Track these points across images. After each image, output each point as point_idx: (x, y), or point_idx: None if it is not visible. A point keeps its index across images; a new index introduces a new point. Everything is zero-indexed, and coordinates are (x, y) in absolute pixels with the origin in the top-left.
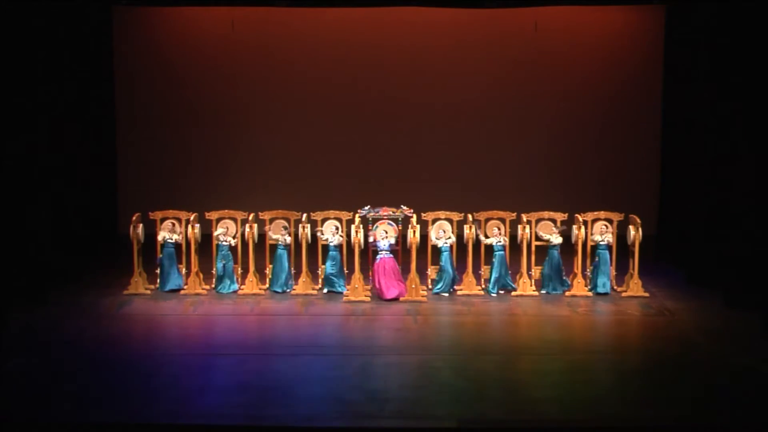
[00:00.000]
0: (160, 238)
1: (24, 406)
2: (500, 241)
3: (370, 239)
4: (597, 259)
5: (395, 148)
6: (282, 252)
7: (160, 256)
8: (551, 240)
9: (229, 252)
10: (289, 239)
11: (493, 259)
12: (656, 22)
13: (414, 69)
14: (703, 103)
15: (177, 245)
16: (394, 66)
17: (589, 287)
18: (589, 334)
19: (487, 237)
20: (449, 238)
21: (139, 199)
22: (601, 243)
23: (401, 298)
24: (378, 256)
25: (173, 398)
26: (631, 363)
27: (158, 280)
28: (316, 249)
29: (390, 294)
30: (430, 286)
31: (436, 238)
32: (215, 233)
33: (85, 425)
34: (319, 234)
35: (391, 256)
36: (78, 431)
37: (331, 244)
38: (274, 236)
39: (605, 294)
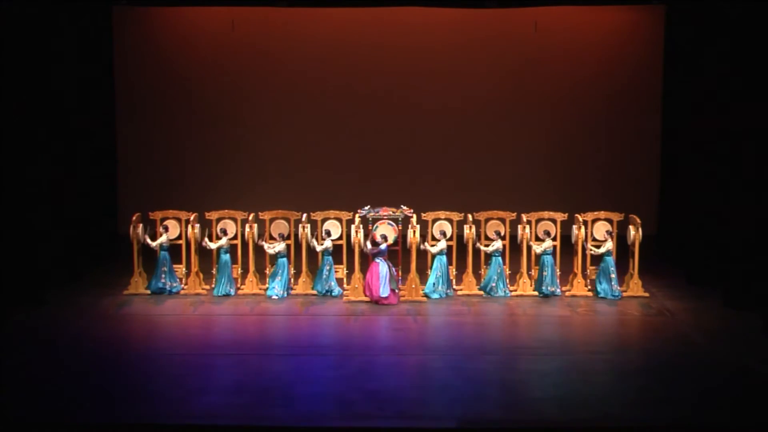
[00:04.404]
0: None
1: (24, 406)
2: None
3: (369, 246)
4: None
5: (396, 148)
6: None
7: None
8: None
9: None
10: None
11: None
12: (656, 22)
13: (414, 69)
14: (703, 103)
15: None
16: (394, 66)
17: (588, 288)
18: (589, 334)
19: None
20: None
21: (139, 199)
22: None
23: (401, 299)
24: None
25: (173, 398)
26: (631, 363)
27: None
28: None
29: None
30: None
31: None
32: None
33: (85, 425)
34: (264, 245)
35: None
36: (78, 431)
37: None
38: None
39: (604, 298)
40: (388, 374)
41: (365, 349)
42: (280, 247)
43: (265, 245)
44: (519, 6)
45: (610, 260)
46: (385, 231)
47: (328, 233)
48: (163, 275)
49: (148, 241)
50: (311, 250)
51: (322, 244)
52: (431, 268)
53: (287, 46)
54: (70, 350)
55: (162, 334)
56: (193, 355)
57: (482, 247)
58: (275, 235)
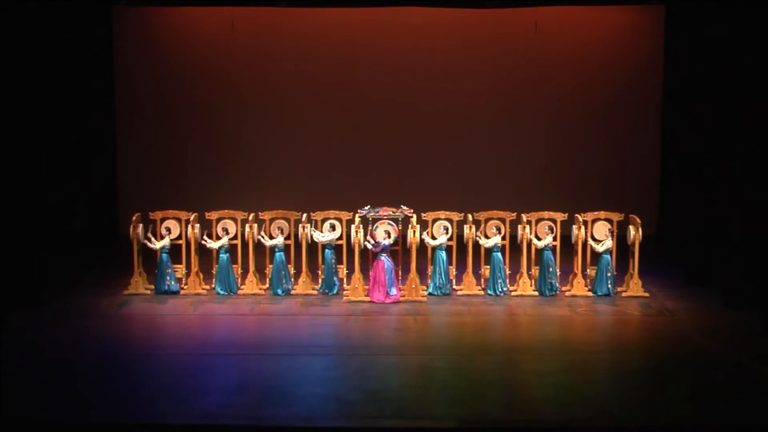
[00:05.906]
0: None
1: (24, 406)
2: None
3: (369, 242)
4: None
5: (396, 148)
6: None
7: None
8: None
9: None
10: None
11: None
12: (656, 22)
13: (414, 69)
14: (702, 103)
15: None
16: (394, 66)
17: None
18: (589, 334)
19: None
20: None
21: (139, 199)
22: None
23: (401, 299)
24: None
25: (173, 398)
26: (631, 363)
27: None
28: (315, 249)
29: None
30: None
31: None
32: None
33: (85, 425)
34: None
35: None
36: (78, 431)
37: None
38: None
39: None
40: (388, 374)
41: (365, 349)
42: (276, 240)
43: (262, 238)
44: (519, 6)
45: (607, 258)
46: (386, 230)
47: (333, 227)
48: (168, 277)
49: (150, 242)
50: (311, 250)
51: (324, 235)
52: (432, 264)
53: (287, 46)
54: (70, 350)
55: (162, 334)
56: (193, 355)
57: (481, 241)
58: (275, 233)
